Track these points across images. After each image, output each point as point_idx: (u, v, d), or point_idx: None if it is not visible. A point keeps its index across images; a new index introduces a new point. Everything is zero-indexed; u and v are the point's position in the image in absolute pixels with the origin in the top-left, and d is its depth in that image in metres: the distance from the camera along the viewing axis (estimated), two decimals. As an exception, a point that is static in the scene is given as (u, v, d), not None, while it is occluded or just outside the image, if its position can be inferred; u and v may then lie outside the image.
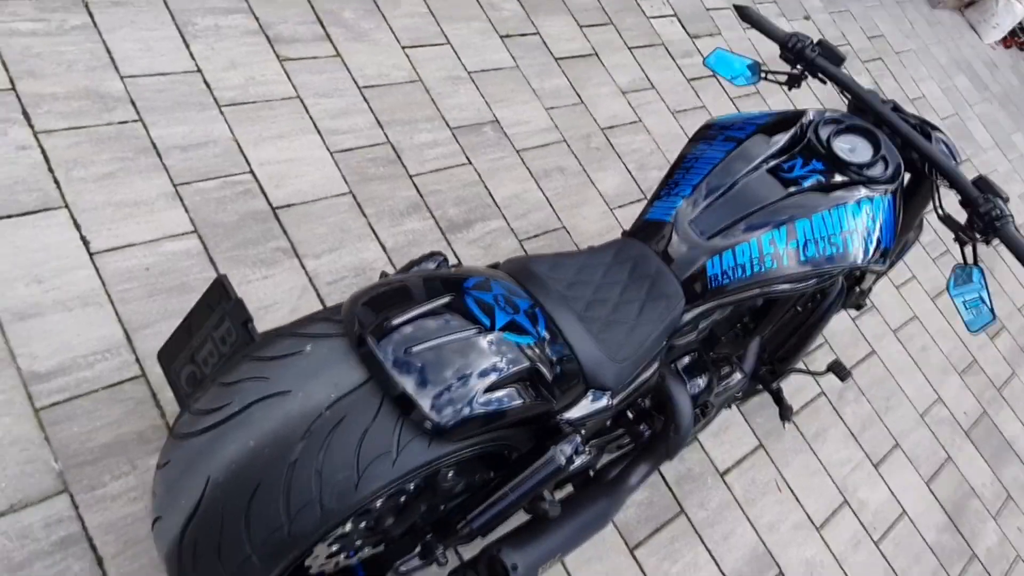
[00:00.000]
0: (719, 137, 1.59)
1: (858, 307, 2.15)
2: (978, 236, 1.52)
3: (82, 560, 1.37)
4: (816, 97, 3.64)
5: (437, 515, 1.33)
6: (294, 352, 1.06)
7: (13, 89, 1.76)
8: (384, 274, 1.37)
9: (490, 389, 1.08)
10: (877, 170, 1.52)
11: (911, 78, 4.30)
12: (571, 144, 2.63)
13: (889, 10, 4.67)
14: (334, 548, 1.20)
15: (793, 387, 2.50)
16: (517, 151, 2.48)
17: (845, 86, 1.66)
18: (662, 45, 3.21)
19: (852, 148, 1.54)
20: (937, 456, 2.71)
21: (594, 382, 1.27)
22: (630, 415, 1.60)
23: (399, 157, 2.23)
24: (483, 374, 1.08)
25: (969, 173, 1.61)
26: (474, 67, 2.57)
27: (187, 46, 2.05)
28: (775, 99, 3.46)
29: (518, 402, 1.11)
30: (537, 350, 1.16)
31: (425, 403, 1.03)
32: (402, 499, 1.22)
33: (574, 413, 1.27)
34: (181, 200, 1.82)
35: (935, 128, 1.70)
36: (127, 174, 1.79)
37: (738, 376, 1.84)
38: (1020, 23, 5.52)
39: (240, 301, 1.14)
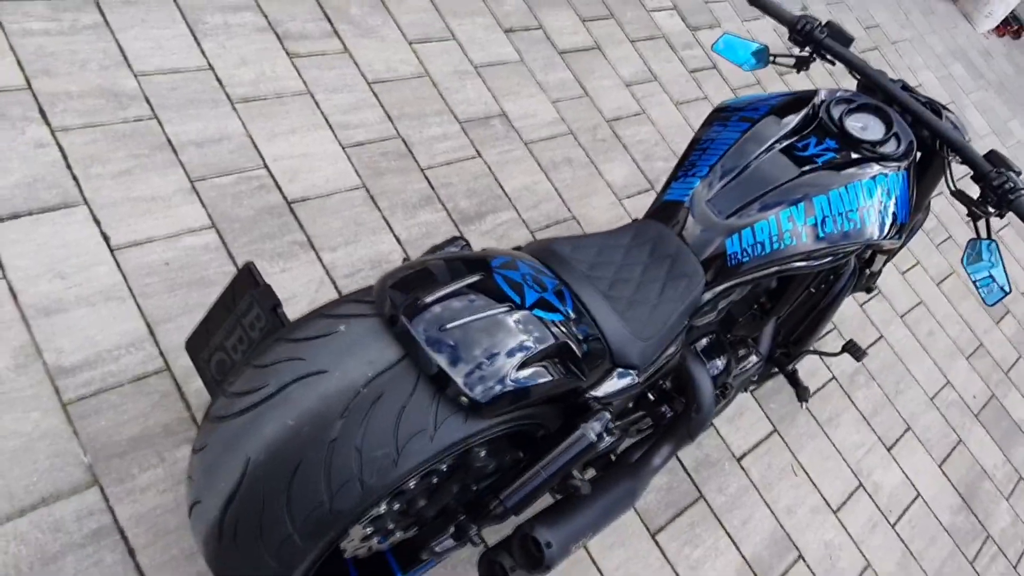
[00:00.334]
0: (733, 118, 1.60)
1: (868, 290, 2.17)
2: (991, 210, 1.53)
3: (114, 552, 1.38)
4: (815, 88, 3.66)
5: (468, 496, 1.34)
6: (329, 333, 1.06)
7: (29, 88, 1.77)
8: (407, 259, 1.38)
9: (523, 366, 1.09)
10: (890, 147, 1.53)
11: (908, 67, 4.33)
12: (578, 136, 2.64)
13: (884, 0, 4.70)
14: (368, 531, 1.20)
15: (805, 372, 2.52)
16: (525, 143, 2.49)
17: (854, 66, 1.68)
18: (663, 38, 3.23)
19: (864, 126, 1.55)
20: (948, 439, 2.73)
21: (621, 360, 1.28)
22: (651, 397, 1.61)
23: (410, 151, 2.24)
24: (515, 351, 1.09)
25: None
26: (480, 61, 2.58)
27: (198, 43, 2.06)
28: (776, 88, 3.48)
29: (550, 378, 1.12)
30: (566, 328, 1.17)
31: (460, 379, 1.03)
32: (435, 480, 1.22)
33: (602, 390, 1.28)
34: (198, 195, 1.83)
35: (944, 107, 1.72)
36: (144, 170, 1.80)
37: (754, 358, 1.86)
38: (1013, 12, 5.56)
39: (268, 287, 1.16)
